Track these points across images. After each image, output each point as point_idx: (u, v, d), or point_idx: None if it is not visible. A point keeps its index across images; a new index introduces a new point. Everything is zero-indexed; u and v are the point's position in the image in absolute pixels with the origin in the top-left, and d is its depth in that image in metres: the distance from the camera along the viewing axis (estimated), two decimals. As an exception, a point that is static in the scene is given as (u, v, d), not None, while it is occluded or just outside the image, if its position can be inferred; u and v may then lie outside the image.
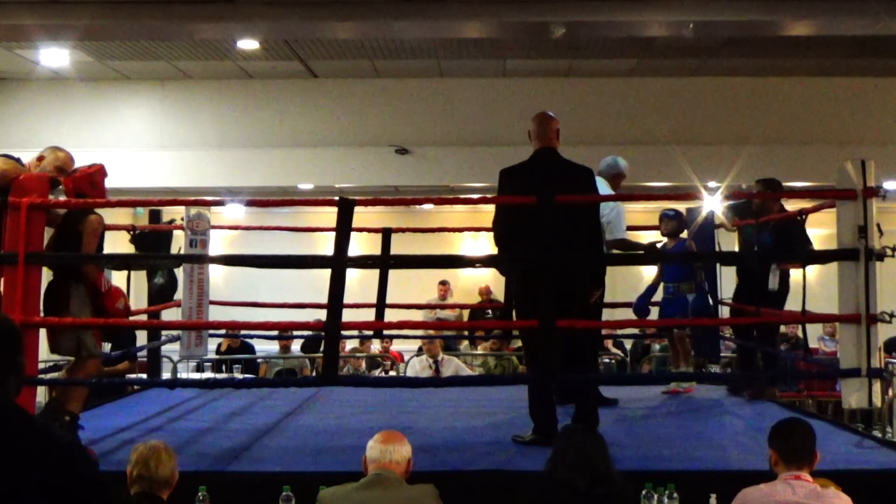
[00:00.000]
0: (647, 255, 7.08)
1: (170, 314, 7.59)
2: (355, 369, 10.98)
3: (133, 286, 6.10)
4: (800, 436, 3.72)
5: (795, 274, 6.84)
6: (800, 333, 8.73)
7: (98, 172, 5.31)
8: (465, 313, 12.87)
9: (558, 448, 3.60)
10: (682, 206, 7.38)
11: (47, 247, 5.28)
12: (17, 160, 5.22)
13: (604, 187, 6.43)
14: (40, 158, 5.22)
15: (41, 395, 8.86)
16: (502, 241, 5.41)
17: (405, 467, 3.67)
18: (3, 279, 4.97)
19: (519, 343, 10.78)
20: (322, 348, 5.21)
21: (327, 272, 5.02)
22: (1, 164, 5.11)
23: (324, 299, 5.04)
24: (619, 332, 9.43)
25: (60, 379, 5.39)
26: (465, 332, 10.80)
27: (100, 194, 5.30)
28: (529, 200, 5.14)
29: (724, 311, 7.57)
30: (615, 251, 6.58)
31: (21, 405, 2.35)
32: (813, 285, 6.25)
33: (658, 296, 7.26)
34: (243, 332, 9.31)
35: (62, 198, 5.29)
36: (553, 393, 5.40)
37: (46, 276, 5.29)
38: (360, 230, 6.70)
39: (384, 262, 7.14)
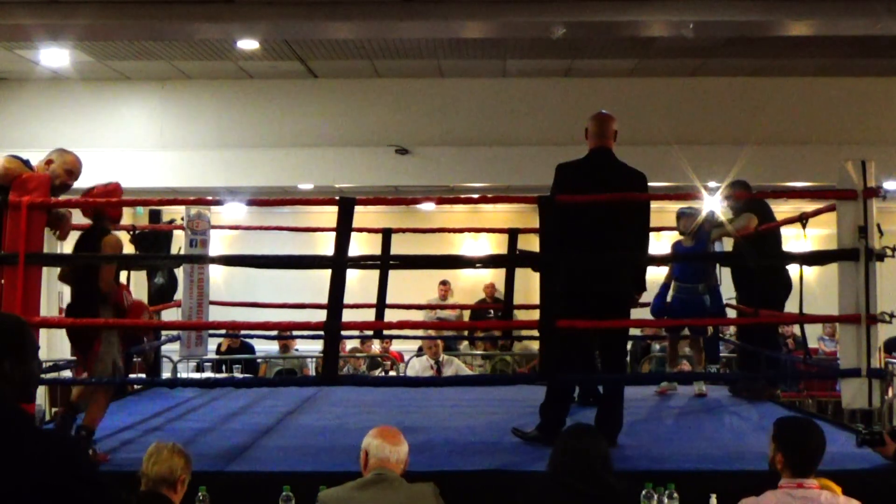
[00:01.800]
0: (661, 255, 7.05)
1: (170, 314, 7.60)
2: (355, 369, 10.98)
3: (133, 286, 6.10)
4: (814, 444, 3.61)
5: (796, 274, 6.85)
6: (797, 332, 8.74)
7: (114, 192, 5.34)
8: (466, 313, 12.86)
9: (558, 448, 3.60)
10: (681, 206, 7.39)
11: (67, 271, 5.33)
12: (26, 162, 5.23)
13: None
14: (48, 162, 5.22)
15: (41, 396, 8.90)
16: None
17: (404, 466, 3.68)
18: (3, 279, 4.96)
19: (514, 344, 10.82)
20: (322, 348, 5.21)
21: (327, 272, 5.02)
22: (5, 162, 5.12)
23: (324, 299, 5.05)
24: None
25: (61, 378, 5.39)
26: (465, 333, 10.80)
27: (118, 213, 5.39)
28: (531, 200, 5.15)
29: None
30: None
31: (20, 406, 2.35)
32: (813, 285, 6.25)
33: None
34: (243, 332, 9.31)
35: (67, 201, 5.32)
36: (571, 395, 5.38)
37: (46, 275, 5.29)
38: (360, 230, 6.70)
39: (384, 262, 7.14)
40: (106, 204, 5.24)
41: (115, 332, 5.17)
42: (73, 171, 5.25)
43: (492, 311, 12.08)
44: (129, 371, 6.98)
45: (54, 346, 10.07)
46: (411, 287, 10.98)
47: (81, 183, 5.40)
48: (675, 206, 7.41)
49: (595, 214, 5.12)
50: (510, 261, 7.66)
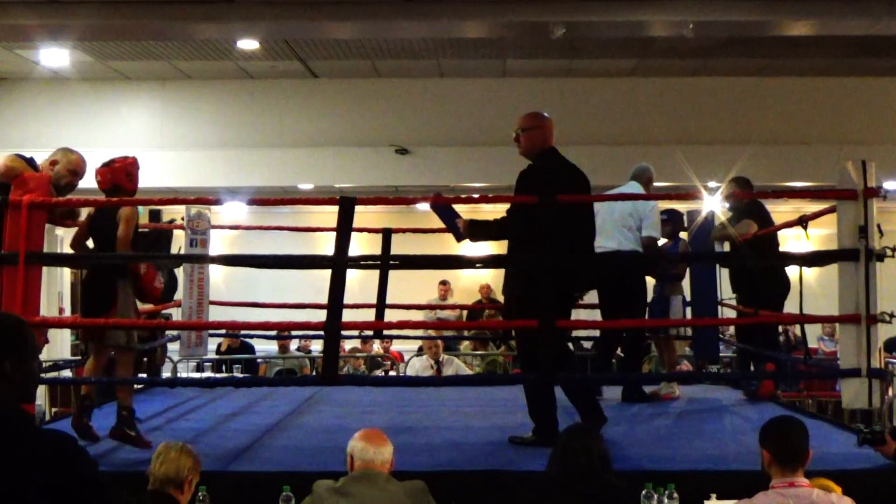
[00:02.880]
0: (643, 256, 7.04)
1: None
2: (355, 369, 10.98)
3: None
4: (795, 437, 3.60)
5: (795, 274, 6.85)
6: (797, 332, 8.74)
7: (133, 165, 5.40)
8: (465, 314, 12.86)
9: (557, 448, 3.60)
10: (682, 207, 7.39)
11: (79, 240, 5.41)
12: (30, 160, 5.23)
13: (640, 189, 6.85)
14: (53, 163, 5.23)
15: (41, 396, 8.89)
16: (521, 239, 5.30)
17: (390, 466, 3.70)
18: (3, 279, 4.95)
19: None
20: (322, 348, 5.21)
21: (327, 272, 5.02)
22: (8, 161, 5.12)
23: (324, 299, 5.04)
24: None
25: (61, 378, 5.39)
26: (465, 332, 10.80)
27: (135, 186, 5.41)
28: (531, 200, 5.15)
29: (725, 313, 7.58)
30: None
31: (21, 406, 2.34)
32: (813, 285, 6.25)
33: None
34: (243, 332, 9.30)
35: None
36: (552, 393, 5.36)
37: (46, 275, 5.30)
38: (360, 230, 6.71)
39: (384, 263, 7.14)
40: (122, 178, 5.30)
41: (131, 300, 5.30)
42: (78, 170, 5.27)
43: (486, 312, 12.09)
44: (137, 370, 6.98)
45: (54, 346, 10.07)
46: (411, 287, 10.98)
47: (83, 182, 5.40)
48: (675, 207, 7.42)
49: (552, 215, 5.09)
50: (510, 261, 7.65)
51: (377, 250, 7.44)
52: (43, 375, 5.82)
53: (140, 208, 10.46)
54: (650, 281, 7.28)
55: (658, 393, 7.05)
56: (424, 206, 13.68)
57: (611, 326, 6.83)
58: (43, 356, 7.48)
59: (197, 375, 9.86)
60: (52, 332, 8.19)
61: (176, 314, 7.49)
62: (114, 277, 5.25)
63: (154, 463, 3.62)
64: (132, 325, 5.35)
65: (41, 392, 8.80)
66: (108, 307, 5.20)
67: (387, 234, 7.30)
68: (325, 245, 11.89)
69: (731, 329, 8.69)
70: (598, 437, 3.69)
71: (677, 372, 7.64)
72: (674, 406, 6.83)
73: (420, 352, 9.92)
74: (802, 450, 3.58)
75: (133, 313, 5.37)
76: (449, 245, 13.82)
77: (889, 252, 4.94)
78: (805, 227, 5.61)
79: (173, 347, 7.89)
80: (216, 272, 10.59)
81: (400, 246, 7.56)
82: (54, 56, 10.27)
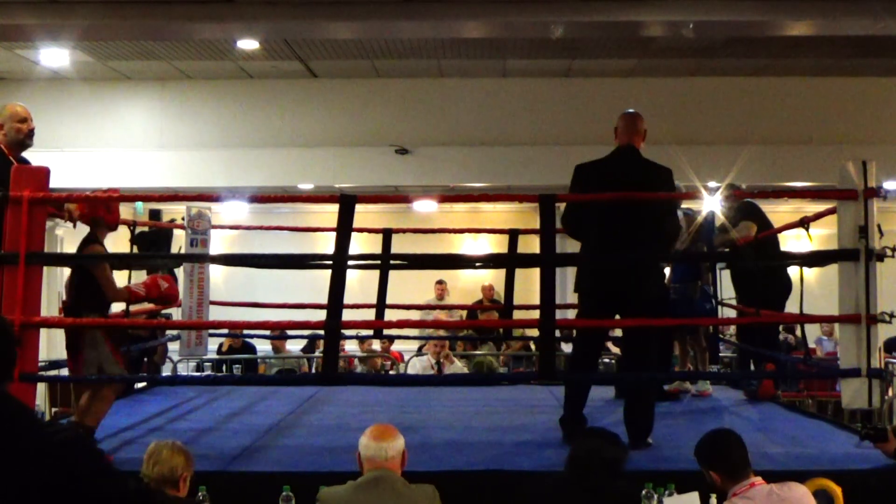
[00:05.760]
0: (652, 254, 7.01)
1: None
2: (353, 368, 10.98)
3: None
4: (736, 447, 3.66)
5: (796, 274, 6.85)
6: (798, 334, 8.73)
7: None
8: (465, 314, 12.85)
9: (571, 449, 3.63)
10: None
11: (70, 285, 5.23)
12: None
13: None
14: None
15: (41, 396, 8.90)
16: (575, 235, 5.47)
17: (401, 461, 3.63)
18: (3, 278, 4.93)
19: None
20: (322, 348, 5.20)
21: (327, 272, 5.01)
22: None
23: (324, 299, 5.03)
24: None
25: (61, 377, 5.37)
26: (465, 332, 10.81)
27: (114, 218, 5.32)
28: (532, 199, 5.17)
29: (725, 312, 7.57)
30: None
31: (24, 403, 2.36)
32: (813, 285, 6.25)
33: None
34: (243, 332, 9.30)
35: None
36: (585, 397, 5.36)
37: (46, 275, 5.28)
38: (361, 230, 6.71)
39: (384, 262, 7.14)
40: (101, 210, 5.17)
41: (99, 336, 5.02)
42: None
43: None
44: (138, 370, 6.96)
45: (54, 346, 10.07)
46: (411, 287, 10.99)
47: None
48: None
49: (613, 211, 5.13)
50: (510, 261, 7.67)
51: (377, 250, 7.45)
52: (42, 374, 5.81)
53: (139, 207, 10.47)
54: None
55: (681, 390, 7.07)
56: (424, 208, 13.79)
57: (614, 326, 6.82)
58: (43, 356, 7.48)
59: (197, 375, 9.86)
60: (53, 332, 8.20)
61: (176, 314, 7.47)
62: (81, 312, 5.03)
63: (147, 464, 3.60)
64: (136, 325, 5.29)
65: (41, 391, 8.80)
66: (76, 350, 5.01)
67: (387, 234, 7.31)
68: (325, 245, 11.88)
69: (732, 329, 8.70)
70: (603, 439, 3.69)
71: (679, 371, 7.62)
72: (674, 406, 6.82)
73: (420, 352, 9.91)
74: (746, 454, 3.58)
75: (106, 350, 5.01)
76: (449, 245, 13.86)
77: (889, 252, 4.94)
78: (807, 228, 5.61)
79: (173, 347, 7.89)
80: (216, 272, 10.59)
81: (400, 246, 7.56)
82: (54, 56, 10.27)
